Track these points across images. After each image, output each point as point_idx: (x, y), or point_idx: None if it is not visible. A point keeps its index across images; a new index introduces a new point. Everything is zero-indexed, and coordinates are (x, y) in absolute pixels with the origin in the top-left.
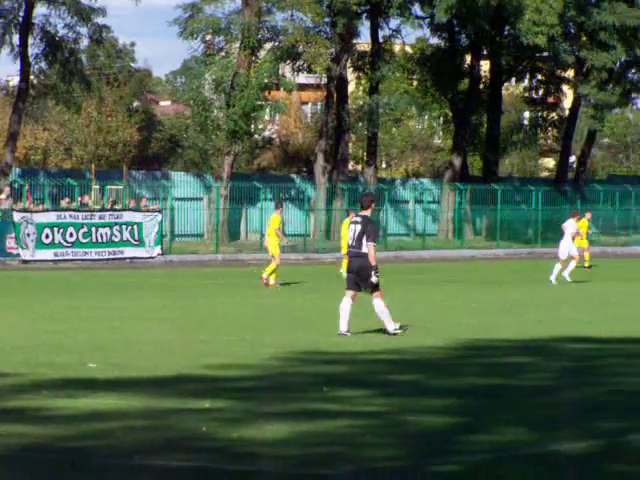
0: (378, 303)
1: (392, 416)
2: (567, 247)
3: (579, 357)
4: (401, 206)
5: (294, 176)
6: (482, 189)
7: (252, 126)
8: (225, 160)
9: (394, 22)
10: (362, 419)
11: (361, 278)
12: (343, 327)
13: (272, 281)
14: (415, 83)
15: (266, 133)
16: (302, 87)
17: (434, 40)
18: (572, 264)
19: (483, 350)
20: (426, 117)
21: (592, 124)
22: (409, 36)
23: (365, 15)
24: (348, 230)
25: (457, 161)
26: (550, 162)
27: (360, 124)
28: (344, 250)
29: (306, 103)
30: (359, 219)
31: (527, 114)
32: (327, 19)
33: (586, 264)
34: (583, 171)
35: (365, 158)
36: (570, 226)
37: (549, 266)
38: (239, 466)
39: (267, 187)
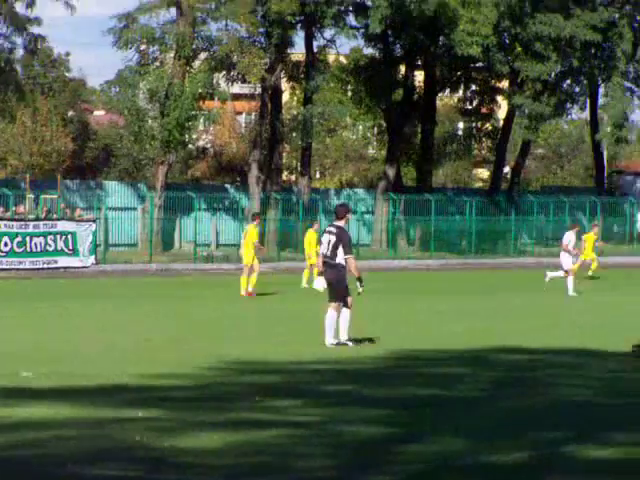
0: (347, 312)
1: (326, 426)
2: (566, 259)
3: (515, 368)
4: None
5: (228, 186)
6: (416, 199)
7: (186, 136)
8: (159, 170)
9: (329, 32)
10: (296, 429)
11: (334, 288)
12: (328, 339)
13: (243, 291)
14: (349, 93)
15: (200, 143)
16: (236, 97)
17: (368, 50)
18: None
19: (419, 360)
20: (360, 127)
21: (526, 135)
22: (344, 46)
23: (300, 25)
24: (321, 240)
25: (391, 171)
26: (484, 173)
27: (294, 134)
28: (309, 261)
29: (240, 113)
30: (334, 229)
31: (461, 124)
32: (262, 29)
33: (589, 272)
34: (517, 182)
35: (299, 168)
36: (566, 238)
37: (481, 276)
38: (170, 476)
39: (201, 197)
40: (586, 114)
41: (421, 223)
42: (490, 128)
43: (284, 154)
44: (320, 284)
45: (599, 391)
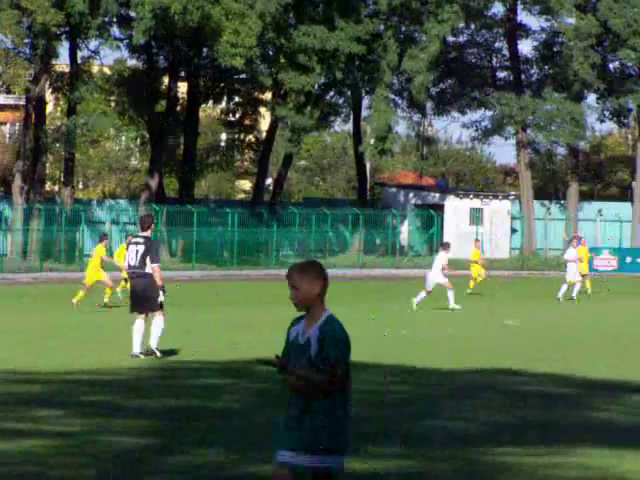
0: (160, 321)
1: (85, 436)
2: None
3: (274, 379)
4: (98, 227)
5: None
6: (178, 210)
7: None
8: None
9: (93, 43)
10: (54, 439)
11: (145, 298)
12: (136, 349)
13: (74, 299)
14: (113, 104)
15: None
16: (0, 108)
17: (133, 61)
18: (567, 287)
19: (178, 371)
20: (123, 138)
21: (289, 147)
22: (108, 57)
23: (64, 36)
24: (127, 250)
25: (153, 182)
26: (246, 184)
27: (57, 145)
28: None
29: (4, 124)
30: (141, 240)
31: (224, 136)
32: (27, 40)
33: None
34: (279, 193)
35: (62, 179)
36: (442, 259)
37: (242, 287)
38: None
39: None
40: (349, 126)
41: (183, 234)
42: (253, 140)
43: (48, 164)
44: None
45: (359, 403)
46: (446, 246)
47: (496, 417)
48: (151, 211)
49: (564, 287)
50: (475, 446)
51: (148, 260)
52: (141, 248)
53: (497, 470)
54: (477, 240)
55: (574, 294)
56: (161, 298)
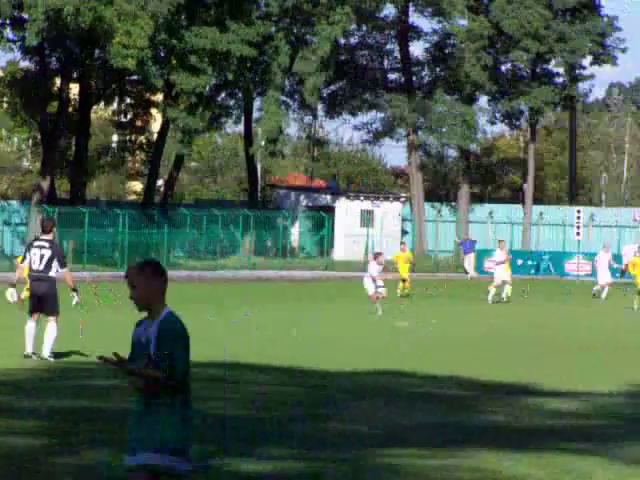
0: (53, 327)
1: None
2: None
3: None
4: None
5: None
6: (69, 212)
7: None
8: None
9: None
10: None
11: (45, 301)
12: (29, 348)
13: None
14: (5, 105)
15: None
16: None
17: (25, 63)
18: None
19: (70, 372)
20: (15, 139)
21: (180, 148)
22: (1, 59)
23: None
24: (29, 253)
25: (45, 183)
26: (138, 185)
27: None
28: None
29: None
30: (45, 243)
31: (115, 137)
32: None
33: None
34: (170, 195)
35: None
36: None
37: None
38: None
39: None
40: (241, 128)
41: (74, 236)
42: (144, 141)
43: None
44: (11, 295)
45: (251, 405)
46: (376, 256)
47: (388, 419)
48: (43, 212)
49: (492, 290)
50: (367, 448)
51: (54, 264)
52: (47, 252)
53: (389, 472)
54: (402, 243)
55: (503, 295)
56: (76, 300)
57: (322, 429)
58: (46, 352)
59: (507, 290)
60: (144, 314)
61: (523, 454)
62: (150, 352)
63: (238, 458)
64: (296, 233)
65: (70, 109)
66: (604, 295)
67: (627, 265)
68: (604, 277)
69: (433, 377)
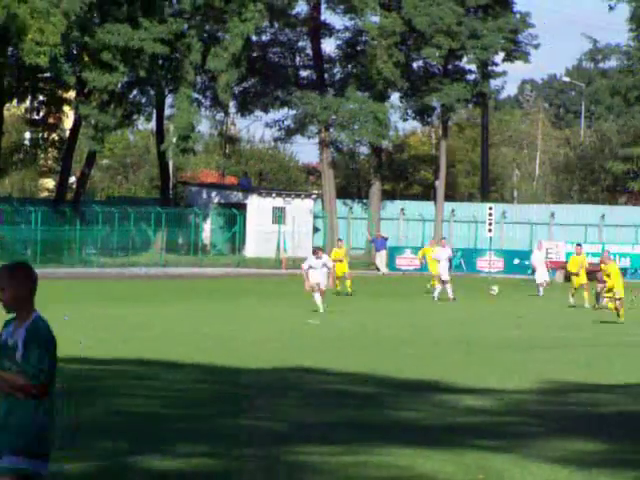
0: None
1: None
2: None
3: (78, 378)
4: None
5: None
6: None
7: None
8: None
9: None
10: None
11: None
12: None
13: None
14: None
15: None
16: None
17: None
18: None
19: None
20: None
21: (92, 145)
22: None
23: None
24: None
25: None
26: (50, 182)
27: None
28: None
29: None
30: None
31: (28, 134)
32: None
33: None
34: (82, 192)
35: None
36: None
37: (45, 285)
38: None
39: None
40: (152, 125)
41: None
42: (57, 138)
43: None
44: None
45: (164, 402)
46: (316, 250)
47: (301, 416)
48: None
49: (438, 287)
50: (280, 445)
51: None
52: None
53: (301, 469)
54: (340, 240)
55: (450, 294)
56: None
57: (234, 426)
58: None
59: (448, 287)
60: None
61: (436, 451)
62: (16, 356)
63: (148, 455)
64: (208, 230)
65: None
66: (542, 292)
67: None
68: (543, 275)
69: (348, 374)
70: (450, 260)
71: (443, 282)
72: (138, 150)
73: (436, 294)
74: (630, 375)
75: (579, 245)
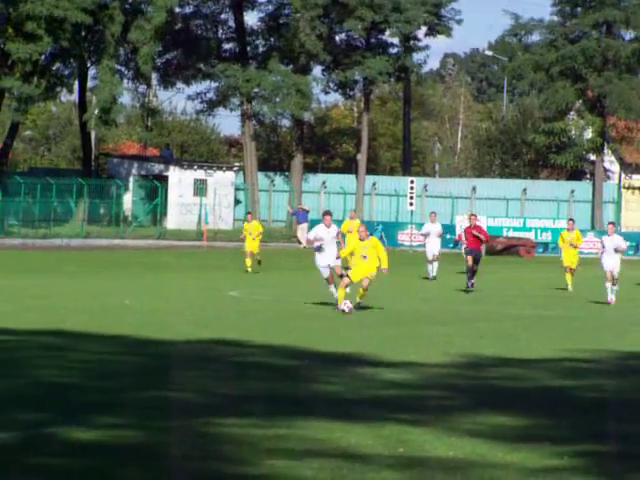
0: None
1: None
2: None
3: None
4: None
5: None
6: None
7: None
8: None
9: None
10: None
11: None
12: None
13: None
14: None
15: None
16: None
17: None
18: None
19: None
20: None
21: (15, 116)
22: None
23: None
24: None
25: None
26: None
27: None
28: None
29: None
30: None
31: None
32: None
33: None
34: (5, 163)
35: None
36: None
37: None
38: None
39: None
40: (75, 96)
41: None
42: None
43: None
44: None
45: (84, 373)
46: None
47: (222, 388)
48: None
49: (430, 265)
50: (201, 417)
51: None
52: None
53: (222, 441)
54: (249, 213)
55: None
56: None
57: (155, 398)
58: None
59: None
60: None
61: (355, 424)
62: None
63: (69, 426)
64: (129, 202)
65: None
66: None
67: (460, 235)
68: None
69: (266, 347)
70: (440, 236)
71: (431, 260)
72: (61, 122)
73: (434, 273)
74: (544, 349)
75: (571, 220)
